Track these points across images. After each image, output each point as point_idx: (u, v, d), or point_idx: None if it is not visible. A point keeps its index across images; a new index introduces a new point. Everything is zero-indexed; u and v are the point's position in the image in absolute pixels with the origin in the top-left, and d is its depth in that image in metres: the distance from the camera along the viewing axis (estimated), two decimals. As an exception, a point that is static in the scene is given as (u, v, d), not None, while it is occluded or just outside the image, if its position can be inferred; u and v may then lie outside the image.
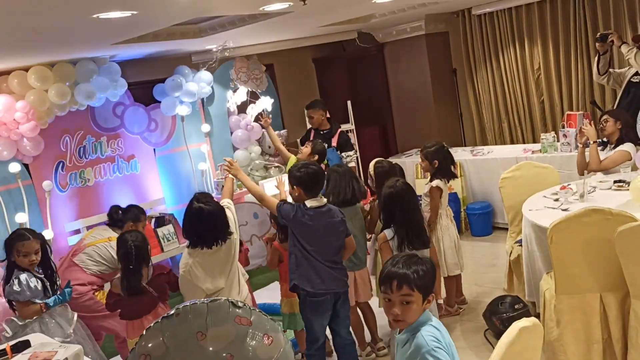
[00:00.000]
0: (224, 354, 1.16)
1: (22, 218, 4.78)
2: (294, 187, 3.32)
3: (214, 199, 3.31)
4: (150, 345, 1.19)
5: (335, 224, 3.33)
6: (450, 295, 4.36)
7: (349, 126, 6.97)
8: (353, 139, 6.96)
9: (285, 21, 4.80)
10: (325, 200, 3.37)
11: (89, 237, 4.26)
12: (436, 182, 4.17)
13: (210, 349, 1.17)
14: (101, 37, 3.97)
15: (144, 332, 1.22)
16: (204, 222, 3.11)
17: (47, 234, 4.88)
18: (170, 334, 1.19)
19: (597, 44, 5.17)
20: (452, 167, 4.32)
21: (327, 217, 3.31)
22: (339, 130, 5.70)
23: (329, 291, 3.33)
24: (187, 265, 3.07)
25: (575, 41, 6.12)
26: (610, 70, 5.23)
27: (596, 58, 5.26)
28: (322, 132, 5.69)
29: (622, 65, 5.51)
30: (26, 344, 2.75)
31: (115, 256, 3.75)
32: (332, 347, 3.73)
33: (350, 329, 3.66)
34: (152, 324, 1.24)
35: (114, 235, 4.06)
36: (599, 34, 5.19)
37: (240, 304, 1.25)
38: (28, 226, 4.81)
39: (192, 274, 3.06)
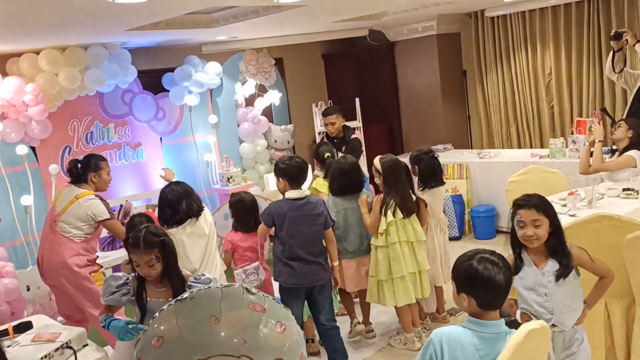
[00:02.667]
0: (236, 340, 1.15)
1: (27, 200, 4.78)
2: (280, 179, 3.54)
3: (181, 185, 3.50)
4: (163, 327, 1.18)
5: (313, 216, 3.49)
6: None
7: (357, 123, 6.94)
8: (360, 136, 6.94)
9: (298, 15, 4.78)
10: (307, 192, 3.53)
11: (58, 205, 3.98)
12: (419, 193, 4.05)
13: (223, 334, 1.16)
14: (115, 23, 3.96)
15: (157, 314, 1.22)
16: (164, 208, 3.44)
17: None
18: (183, 317, 1.18)
19: (611, 42, 5.14)
20: (436, 176, 4.11)
21: (305, 209, 3.48)
22: (352, 136, 5.27)
23: (301, 285, 3.51)
24: None
25: (588, 47, 6.09)
26: (625, 68, 5.20)
27: (610, 54, 5.23)
28: (335, 141, 5.25)
29: (635, 67, 5.49)
30: (28, 325, 2.75)
31: (89, 212, 3.82)
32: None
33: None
34: (165, 307, 1.23)
35: (80, 191, 3.90)
36: (613, 31, 5.16)
37: (254, 291, 1.24)
38: (33, 208, 4.81)
39: None
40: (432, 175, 4.10)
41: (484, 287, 1.98)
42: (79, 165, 4.00)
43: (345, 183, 3.91)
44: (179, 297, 1.21)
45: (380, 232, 3.80)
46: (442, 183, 4.18)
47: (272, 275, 3.74)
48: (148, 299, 2.59)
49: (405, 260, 3.81)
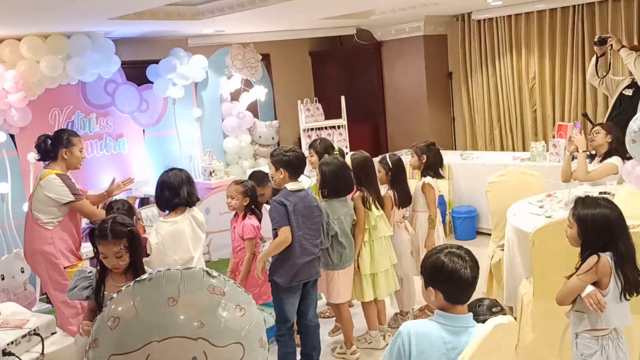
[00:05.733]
0: (195, 323, 1.15)
1: (4, 188, 4.72)
2: (280, 169, 3.39)
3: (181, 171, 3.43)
4: (120, 308, 1.18)
5: (313, 207, 3.47)
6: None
7: (341, 122, 6.95)
8: (344, 134, 6.96)
9: (284, 10, 4.77)
10: (303, 185, 3.46)
11: (33, 189, 3.84)
12: (428, 179, 4.21)
13: (182, 317, 1.15)
14: (98, 9, 3.92)
15: (115, 295, 1.21)
16: (164, 189, 3.32)
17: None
18: (141, 299, 1.18)
19: (595, 47, 5.19)
20: (440, 168, 4.36)
21: (307, 200, 3.44)
22: None
23: (302, 281, 3.45)
24: (159, 237, 3.22)
25: (572, 53, 6.15)
26: (607, 75, 5.25)
27: (593, 59, 5.28)
28: None
29: (617, 74, 5.55)
30: (-4, 312, 2.71)
31: (50, 195, 3.63)
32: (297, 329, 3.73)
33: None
34: (123, 288, 1.22)
35: (45, 171, 3.71)
36: (597, 36, 5.22)
37: (215, 274, 1.23)
38: (10, 196, 4.75)
39: (165, 245, 3.22)
40: (440, 165, 4.31)
41: (449, 280, 2.00)
42: (49, 141, 3.76)
43: (338, 185, 3.72)
44: (138, 279, 1.20)
45: (367, 227, 3.82)
46: (442, 176, 4.43)
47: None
48: (105, 293, 2.44)
49: (389, 254, 3.90)
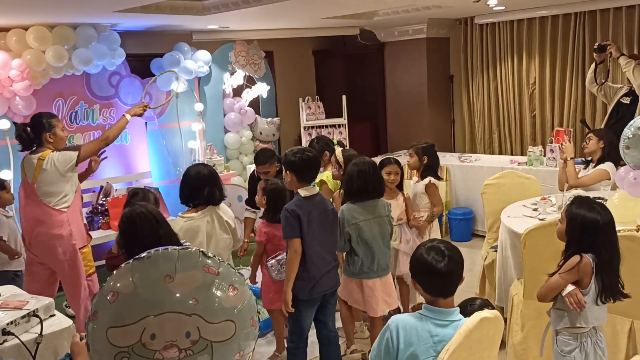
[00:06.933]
0: (190, 300, 1.21)
1: (6, 175, 4.78)
2: (287, 172, 3.22)
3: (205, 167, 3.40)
4: (119, 284, 1.24)
5: (328, 212, 3.27)
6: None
7: (342, 120, 7.02)
8: (344, 133, 7.02)
9: (289, 8, 4.83)
10: (317, 189, 3.27)
11: (28, 175, 3.76)
12: (432, 179, 4.23)
13: (177, 295, 1.22)
14: (104, 2, 3.98)
15: (115, 272, 1.27)
16: (185, 186, 3.35)
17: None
18: (139, 275, 1.24)
19: (594, 54, 5.24)
20: (438, 169, 4.43)
21: (321, 206, 3.23)
22: None
23: (322, 292, 3.27)
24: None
25: (572, 60, 6.21)
26: (605, 82, 5.31)
27: (592, 66, 5.34)
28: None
29: (616, 81, 5.60)
30: (-4, 294, 2.76)
31: (60, 168, 3.63)
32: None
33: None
34: (122, 265, 1.28)
35: (38, 155, 3.65)
36: (597, 44, 5.27)
37: (210, 255, 1.29)
38: (12, 184, 4.80)
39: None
40: (438, 167, 4.37)
41: (426, 273, 2.08)
42: (29, 129, 3.68)
43: (360, 188, 3.53)
44: (137, 257, 1.26)
45: None
46: (440, 178, 4.49)
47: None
48: None
49: None
